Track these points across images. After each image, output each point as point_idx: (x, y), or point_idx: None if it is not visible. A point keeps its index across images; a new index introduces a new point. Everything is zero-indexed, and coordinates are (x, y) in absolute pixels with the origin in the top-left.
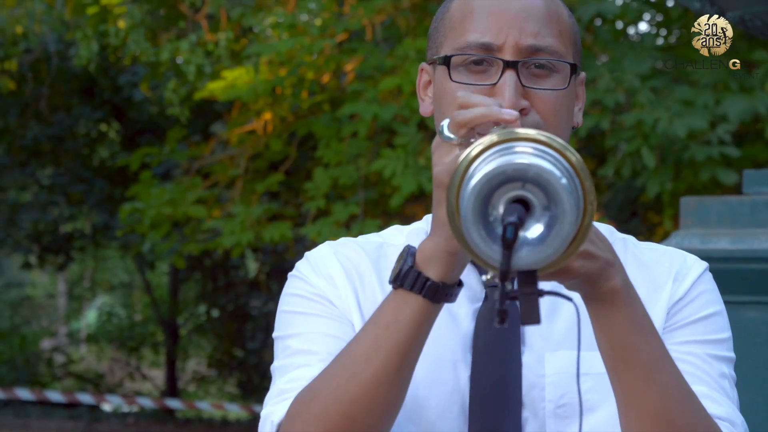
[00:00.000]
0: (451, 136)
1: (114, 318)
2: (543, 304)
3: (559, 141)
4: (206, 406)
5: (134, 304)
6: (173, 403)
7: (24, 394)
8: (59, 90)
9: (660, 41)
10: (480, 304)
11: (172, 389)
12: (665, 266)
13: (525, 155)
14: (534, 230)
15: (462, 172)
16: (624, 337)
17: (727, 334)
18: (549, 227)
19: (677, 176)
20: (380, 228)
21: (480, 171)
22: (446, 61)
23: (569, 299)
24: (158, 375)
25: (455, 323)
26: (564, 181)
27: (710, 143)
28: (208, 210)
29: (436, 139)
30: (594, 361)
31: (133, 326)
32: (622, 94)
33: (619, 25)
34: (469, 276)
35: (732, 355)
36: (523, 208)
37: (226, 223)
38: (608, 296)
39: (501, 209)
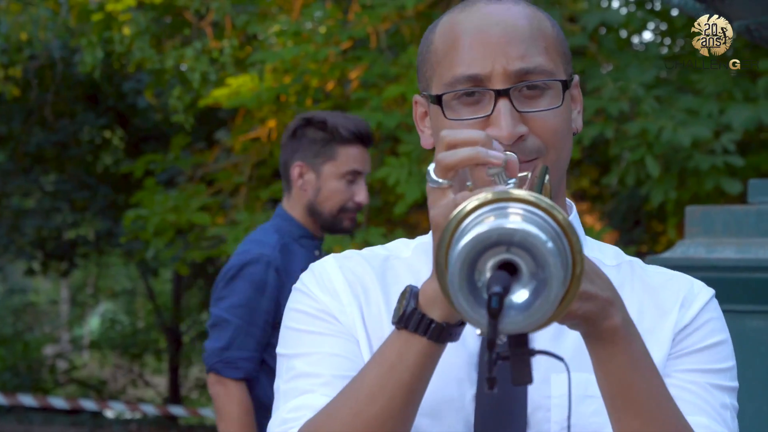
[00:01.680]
0: (440, 180)
1: (117, 325)
2: (549, 327)
3: (546, 201)
4: (209, 413)
5: (137, 310)
6: (176, 410)
7: (27, 400)
8: (63, 96)
9: (664, 50)
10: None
11: (174, 396)
12: (672, 291)
13: (512, 218)
14: (521, 295)
15: (451, 231)
16: (623, 376)
17: (731, 363)
18: (537, 292)
19: (681, 185)
20: (384, 235)
21: (466, 235)
22: (438, 100)
23: (560, 359)
24: (161, 382)
25: (461, 341)
26: (550, 244)
27: (714, 152)
28: (211, 217)
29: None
30: (589, 387)
31: (136, 333)
32: (627, 102)
33: (624, 34)
34: None
35: (735, 384)
36: (509, 273)
37: (230, 230)
38: (608, 335)
39: (488, 274)
